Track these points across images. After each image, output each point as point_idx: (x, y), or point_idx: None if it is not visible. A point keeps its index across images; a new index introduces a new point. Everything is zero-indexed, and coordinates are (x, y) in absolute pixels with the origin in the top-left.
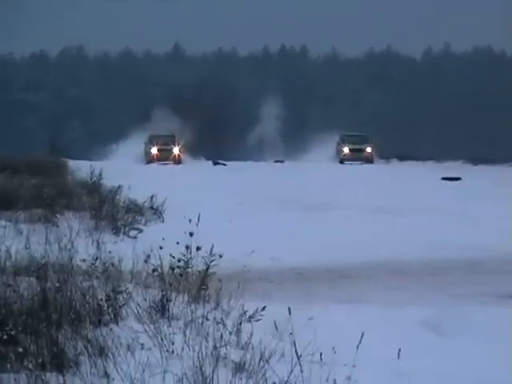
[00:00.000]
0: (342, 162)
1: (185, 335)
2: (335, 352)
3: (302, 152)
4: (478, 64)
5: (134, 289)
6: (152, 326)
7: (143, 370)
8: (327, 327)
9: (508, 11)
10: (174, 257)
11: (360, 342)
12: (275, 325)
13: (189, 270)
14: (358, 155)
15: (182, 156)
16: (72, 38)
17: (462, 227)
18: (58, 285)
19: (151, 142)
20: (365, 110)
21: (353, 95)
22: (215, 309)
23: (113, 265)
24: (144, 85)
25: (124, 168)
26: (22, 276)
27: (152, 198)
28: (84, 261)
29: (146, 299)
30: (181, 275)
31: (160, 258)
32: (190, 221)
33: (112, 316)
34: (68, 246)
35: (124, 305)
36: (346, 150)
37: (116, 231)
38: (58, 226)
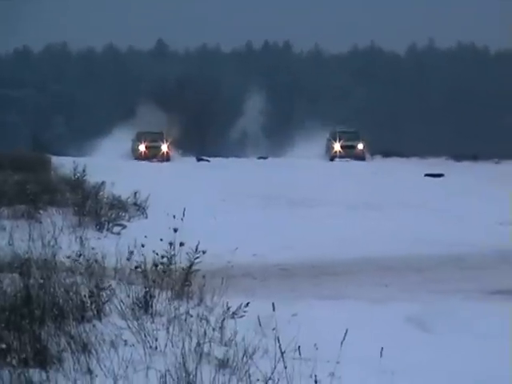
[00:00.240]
0: (332, 159)
1: (168, 332)
2: (318, 348)
3: (285, 148)
4: (461, 60)
5: (118, 285)
6: (135, 323)
7: (126, 367)
8: (311, 323)
9: (491, 8)
10: (157, 253)
11: (344, 338)
12: (258, 320)
13: (172, 266)
14: (349, 152)
15: (170, 153)
16: (56, 33)
17: (445, 223)
18: (41, 281)
19: (139, 139)
20: (349, 106)
21: (337, 91)
22: (199, 305)
23: (96, 261)
24: (128, 81)
25: (107, 164)
26: (4, 272)
27: (135, 194)
28: (67, 257)
29: (129, 296)
30: (164, 272)
31: (143, 254)
32: (173, 217)
33: (95, 312)
34: (51, 243)
35: (107, 301)
36: (336, 146)
37: (99, 227)
38: (41, 223)
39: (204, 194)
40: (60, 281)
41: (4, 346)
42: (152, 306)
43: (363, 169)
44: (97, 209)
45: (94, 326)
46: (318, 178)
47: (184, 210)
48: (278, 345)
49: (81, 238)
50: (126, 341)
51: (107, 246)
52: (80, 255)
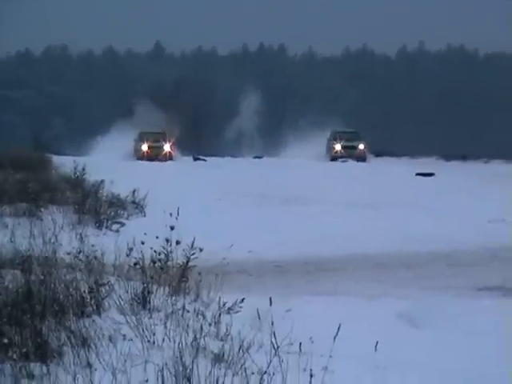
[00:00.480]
0: (333, 159)
1: (165, 326)
2: (313, 343)
3: (279, 148)
4: (451, 62)
5: (116, 281)
6: (134, 318)
7: (125, 361)
8: (305, 319)
9: (481, 12)
10: (155, 250)
11: (337, 333)
12: (258, 314)
13: (169, 263)
14: (350, 152)
15: (172, 153)
16: (56, 36)
17: (436, 221)
18: (42, 277)
19: (141, 139)
20: (342, 107)
21: (330, 93)
22: (195, 301)
23: (95, 258)
24: (126, 82)
25: (106, 164)
26: (6, 269)
27: (134, 192)
28: (68, 254)
29: (127, 291)
30: (162, 268)
31: (141, 251)
32: (170, 215)
33: (95, 308)
34: (52, 240)
35: (106, 297)
36: (337, 147)
37: (99, 225)
38: (42, 220)
39: (200, 192)
40: (60, 277)
41: (6, 340)
42: (150, 302)
43: (356, 168)
44: (96, 207)
45: (93, 320)
46: (311, 177)
47: (179, 208)
48: (274, 339)
49: (81, 235)
50: (124, 335)
51: (106, 243)
52: (80, 252)
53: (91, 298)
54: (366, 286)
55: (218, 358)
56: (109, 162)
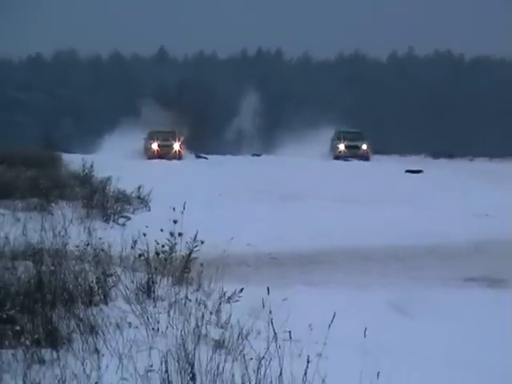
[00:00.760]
0: (337, 158)
1: (169, 315)
2: (307, 330)
3: (276, 147)
4: (438, 67)
5: (123, 272)
6: (139, 307)
7: (131, 347)
8: (300, 307)
9: (466, 19)
10: (158, 243)
11: (332, 321)
12: (262, 303)
13: (173, 255)
14: (353, 152)
15: (182, 152)
16: (66, 42)
17: (424, 215)
18: (52, 268)
19: (151, 137)
20: (335, 108)
21: (324, 95)
22: (197, 290)
23: (103, 250)
24: (131, 85)
25: (112, 162)
26: (19, 260)
27: (139, 188)
28: (76, 246)
29: (133, 282)
30: (165, 260)
31: (146, 243)
32: (173, 209)
33: (102, 297)
34: (62, 233)
35: (113, 287)
36: (341, 146)
37: (106, 219)
38: (52, 214)
39: (202, 188)
40: (70, 268)
41: (18, 327)
42: (154, 292)
43: (352, 166)
44: (103, 202)
45: (100, 309)
46: (307, 174)
47: (183, 203)
48: (272, 327)
49: (89, 228)
50: (130, 323)
51: (113, 236)
52: (88, 244)
53: (99, 288)
54: (359, 276)
55: (218, 345)
56: (115, 160)
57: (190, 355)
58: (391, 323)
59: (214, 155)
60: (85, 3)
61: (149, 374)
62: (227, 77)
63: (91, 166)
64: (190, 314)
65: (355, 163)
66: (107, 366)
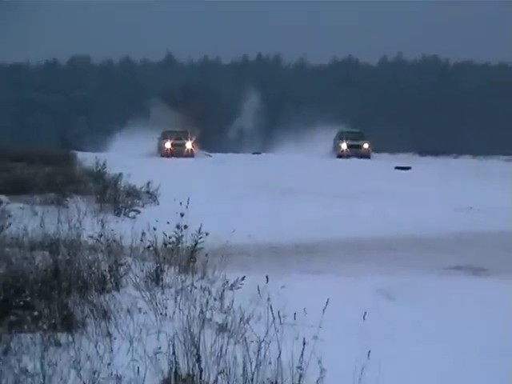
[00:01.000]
0: (339, 157)
1: (176, 301)
2: (303, 315)
3: (275, 146)
4: (426, 71)
5: (133, 261)
6: (148, 293)
7: (140, 330)
8: (297, 294)
9: (451, 26)
10: (166, 234)
11: (326, 306)
12: (258, 290)
13: (179, 245)
14: (355, 151)
15: (194, 150)
16: (80, 48)
17: (411, 209)
18: (68, 258)
19: (165, 137)
20: (330, 110)
21: (320, 97)
22: (202, 278)
23: (115, 241)
24: (141, 88)
25: (123, 159)
26: (37, 250)
27: (148, 184)
28: (90, 237)
29: (142, 270)
30: (172, 250)
31: (155, 235)
32: (180, 203)
33: (114, 284)
34: (76, 225)
35: (124, 275)
36: (343, 145)
37: (117, 212)
38: (67, 208)
39: (207, 183)
40: (84, 257)
41: (36, 313)
42: (162, 279)
43: (348, 164)
44: (115, 196)
45: (112, 296)
46: (303, 171)
47: (189, 198)
48: (271, 312)
49: (101, 221)
50: (140, 308)
51: (124, 228)
52: (101, 236)
53: (111, 276)
54: (350, 265)
55: (221, 329)
56: (125, 158)
57: (196, 338)
58: (381, 308)
59: (218, 153)
60: (97, 13)
61: (157, 355)
62: (230, 80)
63: (104, 163)
64: (195, 300)
65: (353, 161)
66: (119, 349)
